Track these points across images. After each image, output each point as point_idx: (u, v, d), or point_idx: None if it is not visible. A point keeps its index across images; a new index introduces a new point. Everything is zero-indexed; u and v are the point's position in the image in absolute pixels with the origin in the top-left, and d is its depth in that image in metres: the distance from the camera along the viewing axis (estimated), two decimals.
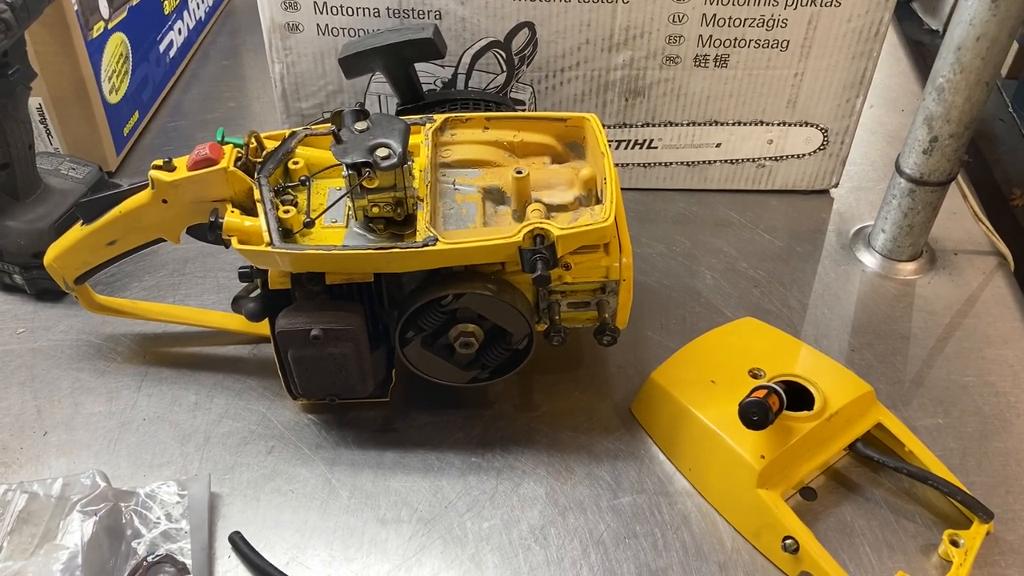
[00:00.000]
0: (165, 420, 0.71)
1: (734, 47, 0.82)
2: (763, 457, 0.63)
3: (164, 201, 0.66)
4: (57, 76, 0.85)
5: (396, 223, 0.65)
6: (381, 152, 0.61)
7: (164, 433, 0.71)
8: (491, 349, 0.68)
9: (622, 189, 0.92)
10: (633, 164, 0.91)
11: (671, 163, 0.91)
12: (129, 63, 0.95)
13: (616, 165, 0.91)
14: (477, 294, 0.64)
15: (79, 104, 0.87)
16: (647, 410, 0.72)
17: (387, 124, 0.63)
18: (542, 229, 0.61)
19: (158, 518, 0.63)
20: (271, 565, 0.61)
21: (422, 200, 0.64)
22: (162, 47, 1.03)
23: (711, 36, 0.82)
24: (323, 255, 0.62)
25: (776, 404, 0.63)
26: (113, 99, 0.92)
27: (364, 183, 0.62)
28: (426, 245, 0.61)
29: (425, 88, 0.85)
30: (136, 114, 0.98)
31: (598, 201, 0.68)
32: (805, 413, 0.65)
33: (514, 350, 0.68)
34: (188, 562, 0.61)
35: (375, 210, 0.64)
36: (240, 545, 0.63)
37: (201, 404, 0.73)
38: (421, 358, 0.69)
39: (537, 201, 0.67)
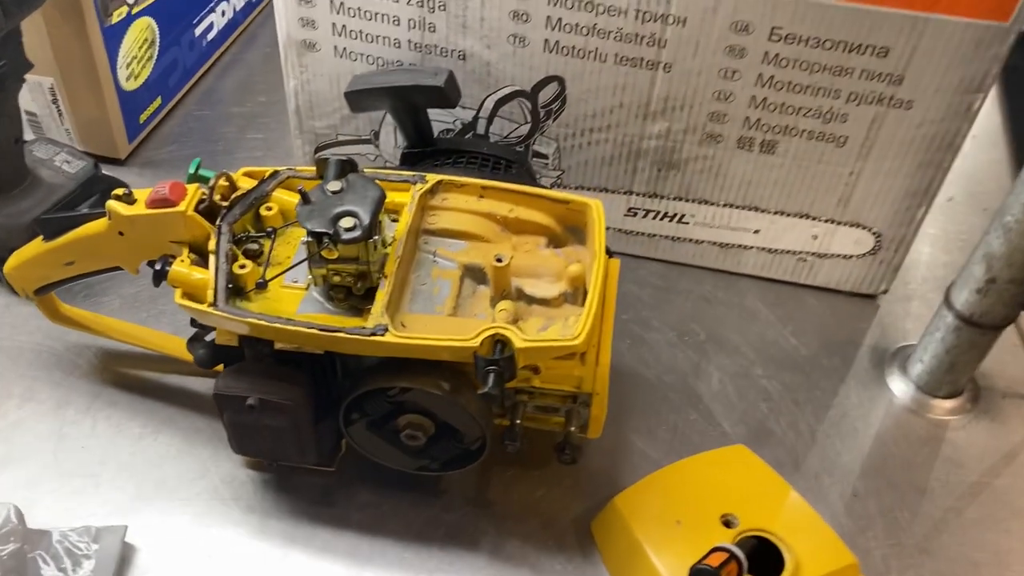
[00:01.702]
0: (104, 451, 0.68)
1: (784, 135, 0.73)
2: None
3: (120, 233, 0.62)
4: (69, 60, 0.82)
5: (356, 295, 0.60)
6: (346, 223, 0.56)
7: (98, 465, 0.67)
8: (441, 444, 0.62)
9: (647, 258, 0.86)
10: (661, 236, 0.84)
11: (702, 241, 0.83)
12: (155, 48, 0.91)
13: (642, 234, 0.85)
14: (427, 392, 0.59)
15: (90, 90, 0.84)
16: (606, 535, 0.65)
17: (361, 190, 0.58)
18: (503, 336, 0.55)
19: (63, 568, 0.60)
20: None
21: (386, 277, 0.59)
22: (199, 30, 0.99)
23: (759, 120, 0.73)
24: (266, 326, 0.57)
25: (732, 573, 0.56)
26: (130, 86, 0.88)
27: (323, 253, 0.57)
28: (374, 334, 0.56)
29: (443, 127, 0.79)
30: (158, 100, 0.94)
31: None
32: None
33: (466, 449, 0.63)
34: None
35: (335, 279, 0.59)
36: None
37: (145, 438, 0.69)
38: (366, 440, 0.63)
39: (519, 291, 0.60)
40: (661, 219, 0.82)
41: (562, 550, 0.65)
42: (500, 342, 0.55)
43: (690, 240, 0.83)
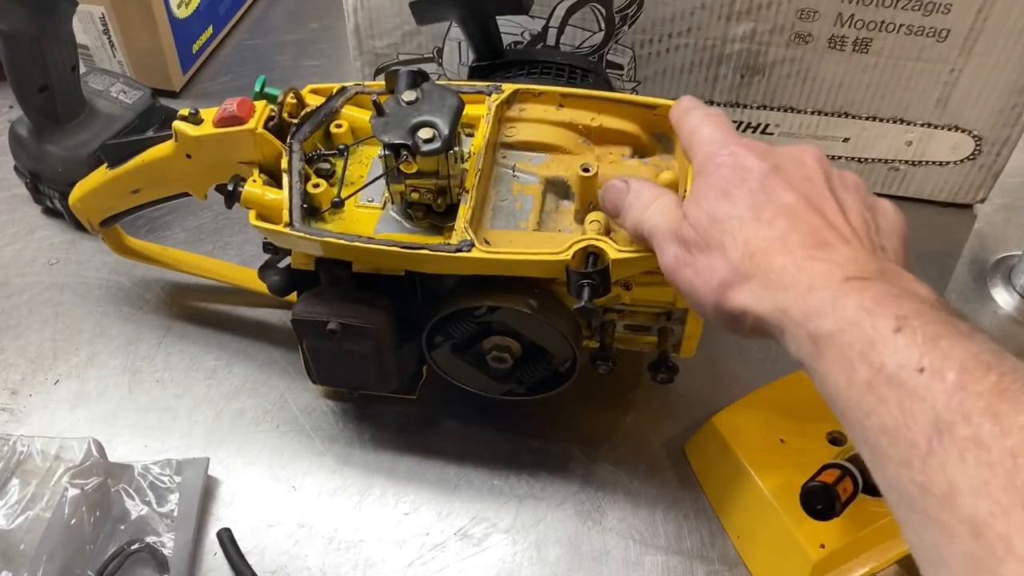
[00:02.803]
0: (179, 384, 0.67)
1: (879, 31, 0.68)
2: (823, 547, 0.54)
3: (188, 156, 0.59)
4: None
5: (436, 212, 0.57)
6: (424, 133, 0.52)
7: (174, 400, 0.66)
8: (528, 366, 0.60)
9: None
10: None
11: None
12: None
13: None
14: (515, 310, 0.56)
15: (142, 18, 0.81)
16: (702, 456, 0.62)
17: (438, 99, 0.54)
18: (596, 248, 0.52)
19: (147, 501, 0.59)
20: (254, 574, 0.56)
21: (467, 191, 0.55)
22: None
23: (852, 15, 0.68)
24: (345, 246, 0.54)
25: (848, 491, 0.52)
26: (182, 13, 0.85)
27: (401, 167, 0.54)
28: (459, 251, 0.53)
29: (512, 39, 0.75)
30: (209, 29, 0.91)
31: None
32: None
33: (555, 371, 0.60)
34: (169, 554, 0.57)
35: (414, 195, 0.56)
36: (227, 545, 0.58)
37: (219, 372, 0.67)
38: (450, 364, 0.61)
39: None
40: (743, 130, 0.77)
41: (656, 473, 0.62)
42: (593, 254, 0.52)
43: None
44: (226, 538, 0.58)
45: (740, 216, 0.43)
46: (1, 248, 0.76)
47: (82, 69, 0.74)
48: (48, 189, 0.74)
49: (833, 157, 0.77)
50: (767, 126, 0.77)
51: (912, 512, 0.33)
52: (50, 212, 0.78)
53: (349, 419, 0.65)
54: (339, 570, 0.57)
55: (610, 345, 0.60)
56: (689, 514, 0.60)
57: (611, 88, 0.73)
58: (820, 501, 0.52)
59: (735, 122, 0.77)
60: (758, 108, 0.76)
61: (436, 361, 0.61)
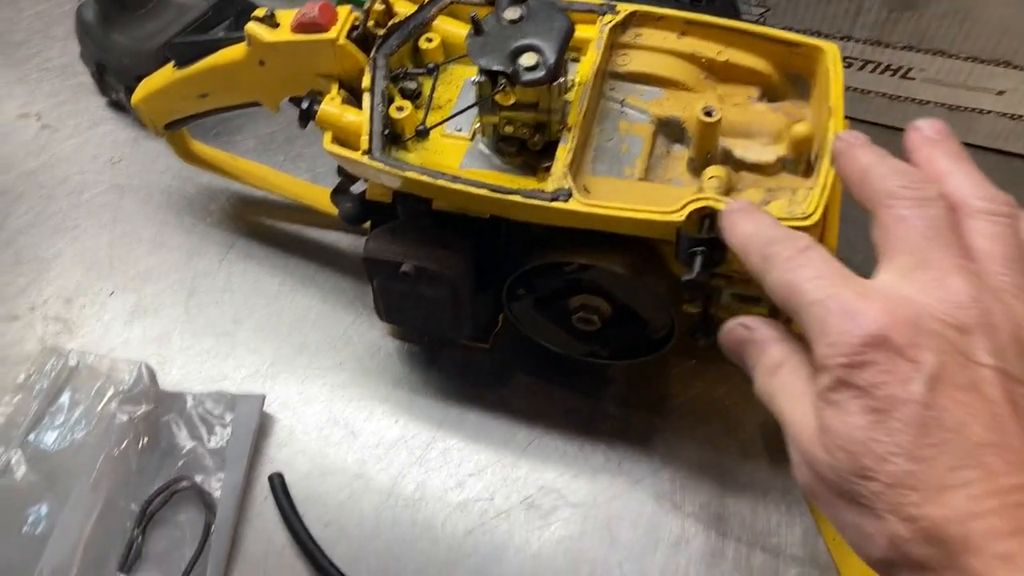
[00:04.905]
0: (239, 308, 0.62)
1: None
2: None
3: (261, 63, 0.53)
4: None
5: (531, 150, 0.50)
6: (527, 60, 0.45)
7: (232, 324, 0.61)
8: (618, 330, 0.53)
9: (855, 120, 0.73)
10: (876, 93, 0.70)
11: (927, 102, 0.69)
12: None
13: (853, 90, 0.71)
14: (610, 271, 0.49)
15: None
16: None
17: (545, 19, 0.47)
18: (713, 210, 0.45)
19: (197, 435, 0.55)
20: (303, 527, 0.53)
21: (569, 130, 0.48)
22: None
23: None
24: (426, 183, 0.48)
25: None
26: None
27: (497, 97, 0.47)
28: (555, 200, 0.46)
29: None
30: None
31: (808, 169, 0.49)
32: None
33: (647, 338, 0.54)
34: (217, 495, 0.53)
35: (508, 129, 0.49)
36: (278, 491, 0.54)
37: (282, 298, 0.63)
38: (530, 319, 0.55)
39: (725, 154, 0.49)
40: (881, 72, 0.68)
41: (747, 458, 0.56)
42: (709, 217, 0.45)
43: (912, 100, 0.69)
44: (278, 484, 0.54)
45: (904, 460, 0.29)
46: (63, 140, 0.71)
47: None
48: (114, 81, 0.69)
49: (981, 112, 0.68)
50: (909, 70, 0.67)
51: None
52: (115, 105, 0.73)
53: (416, 364, 0.60)
54: (395, 530, 0.53)
55: (714, 315, 0.53)
56: (781, 507, 0.54)
57: (737, 14, 0.64)
58: None
59: (873, 63, 0.68)
60: (903, 49, 0.66)
61: (515, 314, 0.55)
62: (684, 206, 0.45)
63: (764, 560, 0.52)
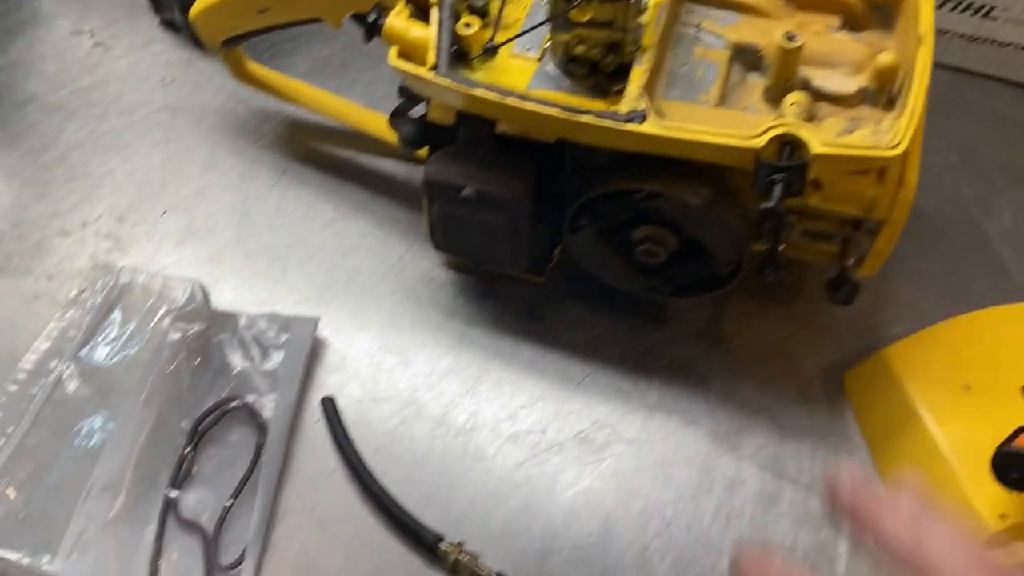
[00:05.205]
0: (292, 233, 0.61)
1: None
2: (1003, 517, 0.46)
3: None
4: None
5: (602, 72, 0.48)
6: None
7: (285, 249, 0.61)
8: (683, 264, 0.52)
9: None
10: (955, 33, 0.67)
11: (1009, 43, 0.66)
12: None
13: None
14: (681, 200, 0.47)
15: None
16: (865, 390, 0.54)
17: None
18: (795, 137, 0.43)
19: (250, 356, 0.55)
20: (354, 451, 0.52)
21: (644, 51, 0.46)
22: None
23: None
24: (494, 101, 0.46)
25: None
26: None
27: (572, 14, 0.45)
28: (630, 121, 0.44)
29: None
30: None
31: (890, 103, 0.47)
32: None
33: (712, 273, 0.52)
34: (268, 417, 0.53)
35: (579, 49, 0.47)
36: (330, 414, 0.53)
37: (336, 223, 0.62)
38: (591, 251, 0.54)
39: (803, 83, 0.47)
40: (962, 11, 0.65)
41: (805, 401, 0.55)
42: (790, 144, 0.43)
43: (993, 41, 0.66)
44: (330, 407, 0.53)
45: None
46: (117, 59, 0.70)
47: None
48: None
49: None
50: (992, 9, 0.64)
51: None
52: (167, 24, 0.72)
53: (470, 295, 0.59)
54: (445, 458, 0.52)
55: (782, 253, 0.51)
56: (840, 452, 0.53)
57: None
58: (1018, 468, 0.44)
59: (953, 1, 0.65)
60: None
61: (576, 245, 0.54)
62: (765, 131, 0.43)
63: (820, 506, 0.51)
